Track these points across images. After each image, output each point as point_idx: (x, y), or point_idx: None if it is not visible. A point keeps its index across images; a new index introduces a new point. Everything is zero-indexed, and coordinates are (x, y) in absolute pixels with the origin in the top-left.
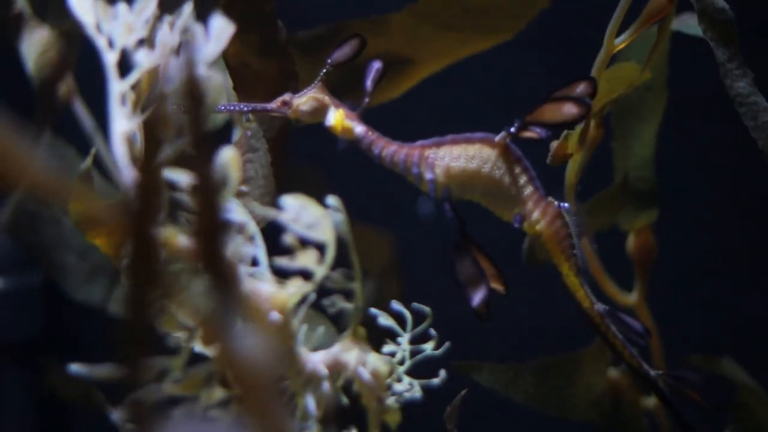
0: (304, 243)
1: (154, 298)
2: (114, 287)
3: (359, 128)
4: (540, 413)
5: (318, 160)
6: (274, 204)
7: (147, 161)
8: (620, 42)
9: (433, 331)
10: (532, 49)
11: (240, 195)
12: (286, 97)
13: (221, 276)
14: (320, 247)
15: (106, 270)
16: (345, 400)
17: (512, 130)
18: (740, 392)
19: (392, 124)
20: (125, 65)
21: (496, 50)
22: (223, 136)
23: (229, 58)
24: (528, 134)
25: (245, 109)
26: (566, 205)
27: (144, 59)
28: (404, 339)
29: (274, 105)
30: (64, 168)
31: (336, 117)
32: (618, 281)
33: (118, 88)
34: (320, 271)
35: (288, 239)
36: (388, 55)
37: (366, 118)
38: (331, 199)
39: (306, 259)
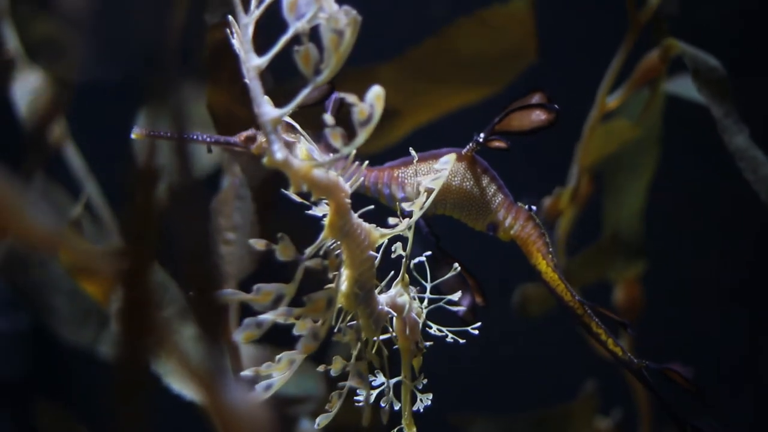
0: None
1: (146, 344)
2: (103, 330)
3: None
4: None
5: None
6: (258, 253)
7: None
8: (612, 100)
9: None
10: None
11: (227, 243)
12: (251, 132)
13: (213, 326)
14: None
15: (96, 313)
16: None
17: (480, 139)
18: None
19: None
20: None
21: (485, 104)
22: (212, 182)
23: (213, 107)
24: (496, 144)
25: (208, 140)
26: (534, 207)
27: None
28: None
29: (237, 140)
30: (54, 214)
31: (303, 152)
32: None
33: (245, 21)
34: (417, 214)
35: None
36: None
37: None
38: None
39: (417, 204)
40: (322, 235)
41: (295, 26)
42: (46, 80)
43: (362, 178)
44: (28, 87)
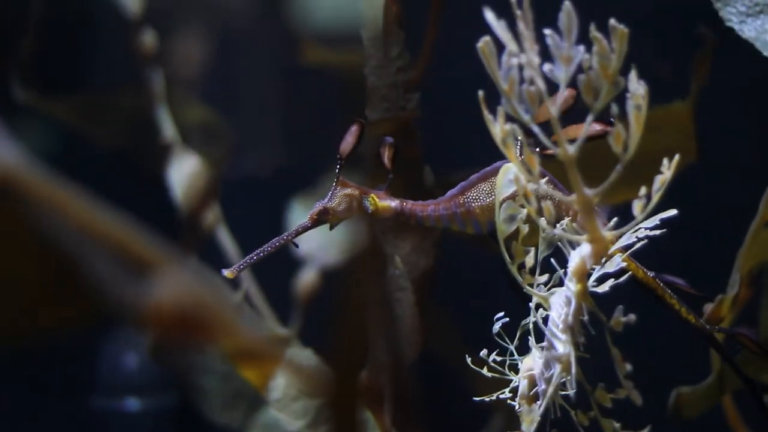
0: None
1: None
2: (253, 414)
3: (394, 203)
4: None
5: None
6: (418, 343)
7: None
8: None
9: None
10: (682, 204)
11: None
12: (320, 207)
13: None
14: None
15: (247, 395)
16: None
17: (537, 149)
18: None
19: None
20: None
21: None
22: None
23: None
24: (548, 152)
25: (288, 238)
26: None
27: (561, 74)
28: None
29: (309, 222)
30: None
31: (372, 203)
32: None
33: (554, 112)
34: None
35: None
36: None
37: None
38: None
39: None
40: (576, 292)
41: (597, 107)
42: (202, 165)
43: (432, 213)
44: (183, 172)
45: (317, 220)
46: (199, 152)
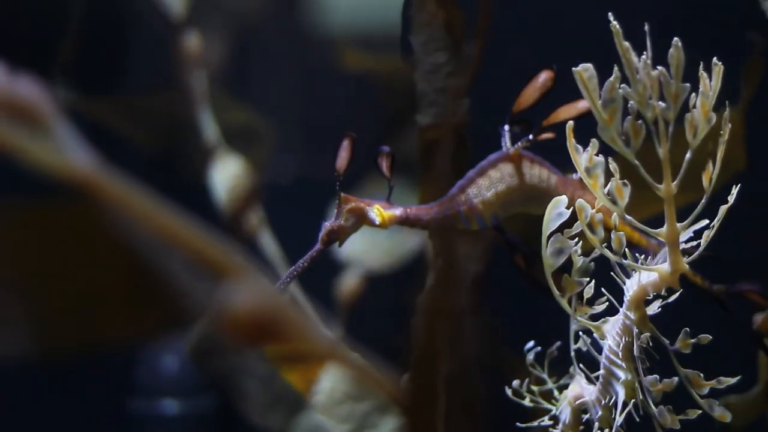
0: None
1: None
2: (295, 417)
3: (398, 211)
4: None
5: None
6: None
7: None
8: None
9: None
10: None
11: None
12: (329, 228)
13: None
14: None
15: (288, 398)
16: None
17: (530, 137)
18: None
19: None
20: None
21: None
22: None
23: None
24: (544, 137)
25: (303, 264)
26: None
27: (669, 112)
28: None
29: (321, 245)
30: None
31: (377, 213)
32: None
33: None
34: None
35: None
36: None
37: None
38: None
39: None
40: (636, 320)
41: (694, 144)
42: (244, 167)
43: (436, 215)
44: (226, 174)
45: (328, 241)
46: (240, 155)
